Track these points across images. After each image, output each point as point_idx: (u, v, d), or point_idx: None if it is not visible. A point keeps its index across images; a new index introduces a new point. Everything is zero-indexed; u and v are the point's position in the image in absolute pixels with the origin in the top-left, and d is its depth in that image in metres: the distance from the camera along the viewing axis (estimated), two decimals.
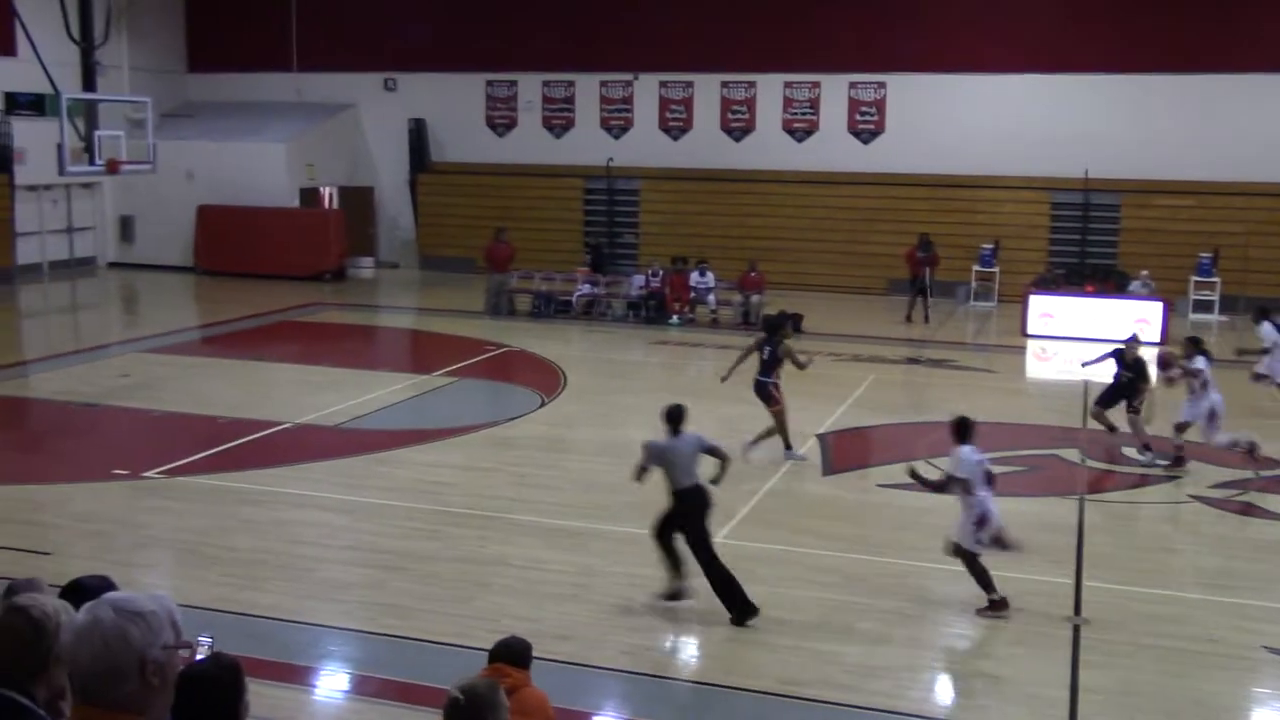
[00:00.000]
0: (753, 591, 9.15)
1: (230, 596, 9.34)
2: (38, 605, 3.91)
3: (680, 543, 9.16)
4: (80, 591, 5.83)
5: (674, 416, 9.30)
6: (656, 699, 8.12)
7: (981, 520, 9.20)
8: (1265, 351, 16.11)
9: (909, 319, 23.67)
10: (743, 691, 8.00)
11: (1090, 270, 24.64)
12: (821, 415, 15.65)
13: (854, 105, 28.20)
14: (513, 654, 5.85)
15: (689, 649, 8.99)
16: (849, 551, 10.68)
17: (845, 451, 14.44)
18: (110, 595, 3.32)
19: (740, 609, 8.97)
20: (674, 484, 9.14)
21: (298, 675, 8.11)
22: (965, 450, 9.27)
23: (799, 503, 12.30)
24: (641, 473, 9.36)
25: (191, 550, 10.59)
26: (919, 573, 10.19)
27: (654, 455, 9.24)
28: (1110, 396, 14.50)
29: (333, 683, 8.27)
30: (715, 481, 9.46)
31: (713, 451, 9.36)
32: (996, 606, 9.20)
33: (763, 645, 8.69)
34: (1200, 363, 13.30)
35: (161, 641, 3.31)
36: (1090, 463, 13.83)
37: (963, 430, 9.36)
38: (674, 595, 9.24)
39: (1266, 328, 16.09)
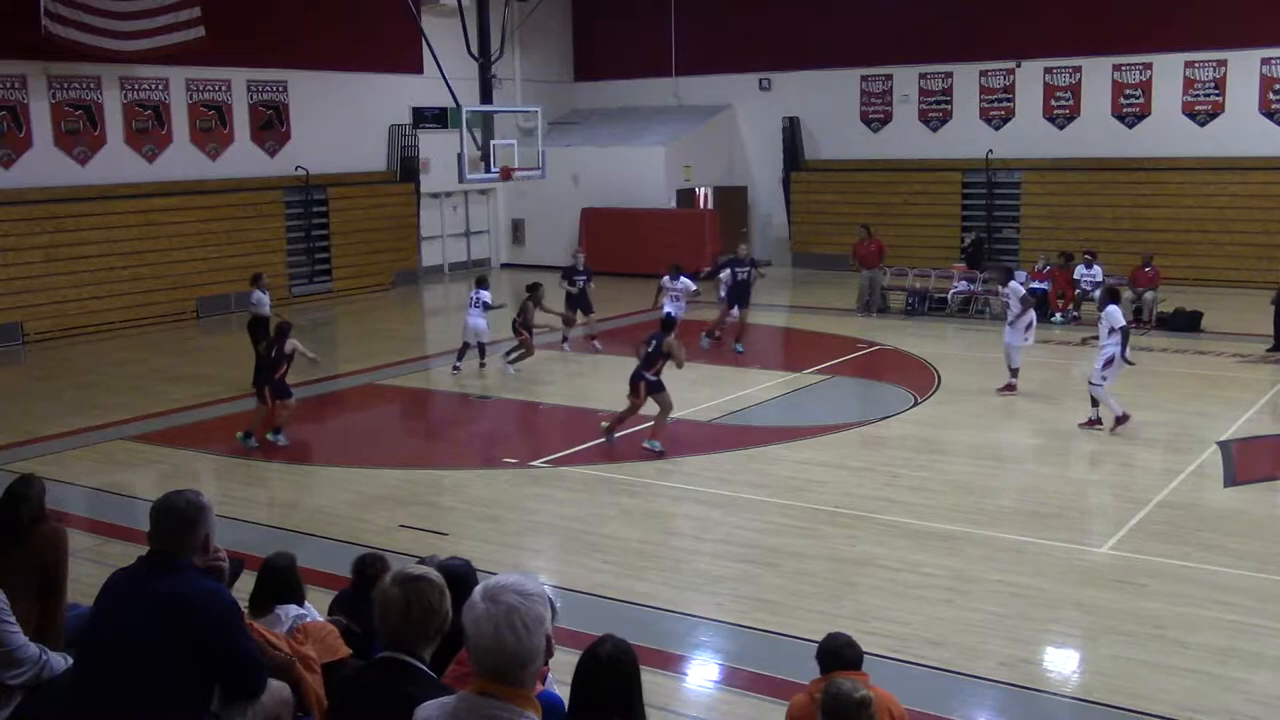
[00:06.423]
0: (1147, 609, 8.49)
1: (610, 583, 9.68)
2: (440, 577, 4.18)
3: None
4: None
5: None
6: (1035, 715, 7.69)
7: None
8: None
9: None
10: (1133, 713, 7.42)
11: None
12: (1224, 422, 14.46)
13: (1266, 83, 25.74)
14: (850, 659, 5.53)
15: (1071, 664, 8.47)
16: (1259, 571, 9.73)
17: (1251, 461, 13.21)
18: (502, 581, 3.34)
19: None
20: None
21: (672, 663, 8.27)
22: None
23: (1197, 515, 11.34)
24: None
25: (574, 537, 11.08)
26: None
27: None
28: None
29: (705, 672, 8.38)
30: None
31: None
32: None
33: (1157, 666, 8.05)
34: None
35: (551, 618, 3.43)
36: None
37: None
38: None
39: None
